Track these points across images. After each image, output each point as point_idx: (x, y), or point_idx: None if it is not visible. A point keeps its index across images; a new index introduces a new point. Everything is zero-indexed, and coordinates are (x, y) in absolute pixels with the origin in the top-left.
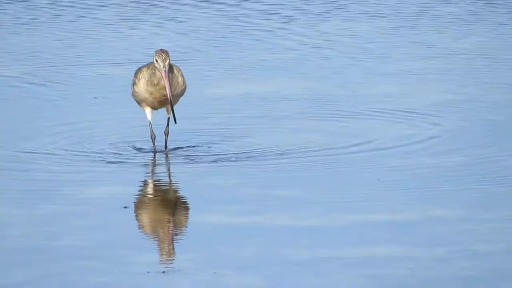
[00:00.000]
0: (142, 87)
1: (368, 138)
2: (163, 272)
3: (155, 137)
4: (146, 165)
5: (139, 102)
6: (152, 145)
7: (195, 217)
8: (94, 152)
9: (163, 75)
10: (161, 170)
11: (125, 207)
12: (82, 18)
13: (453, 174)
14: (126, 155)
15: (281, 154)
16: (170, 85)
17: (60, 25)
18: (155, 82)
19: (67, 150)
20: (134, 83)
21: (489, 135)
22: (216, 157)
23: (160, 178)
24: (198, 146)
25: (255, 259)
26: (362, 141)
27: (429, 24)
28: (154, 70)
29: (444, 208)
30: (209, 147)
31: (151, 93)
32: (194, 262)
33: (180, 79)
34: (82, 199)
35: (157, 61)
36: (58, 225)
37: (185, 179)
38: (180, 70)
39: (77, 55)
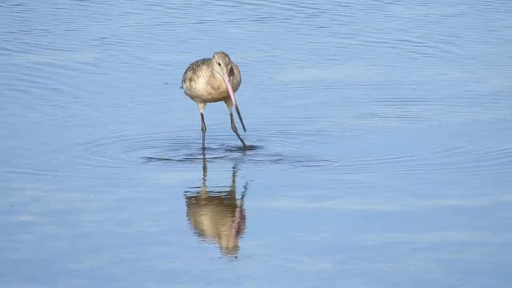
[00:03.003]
0: (201, 85)
1: (437, 122)
2: (236, 257)
3: (205, 129)
4: (218, 157)
5: (192, 97)
6: (202, 138)
7: (266, 203)
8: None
9: (226, 82)
10: (235, 163)
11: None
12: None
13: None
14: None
15: (352, 137)
16: (233, 90)
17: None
18: (216, 85)
19: (140, 135)
20: (190, 79)
21: None
22: (287, 143)
23: (232, 169)
24: (269, 134)
25: (327, 245)
26: (431, 125)
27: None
28: (212, 71)
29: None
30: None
31: (209, 93)
32: (266, 248)
33: (239, 78)
34: (154, 185)
35: (219, 64)
36: (130, 211)
37: (255, 167)
38: (237, 67)
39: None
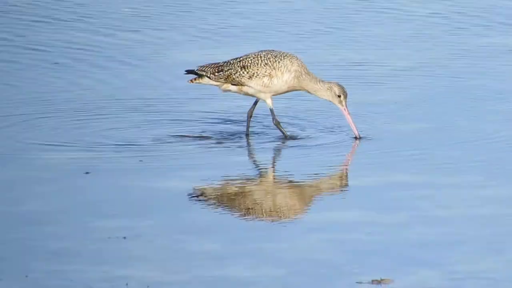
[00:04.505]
0: (285, 78)
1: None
2: (124, 237)
3: (279, 122)
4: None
5: (263, 93)
6: (282, 131)
7: (156, 183)
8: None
9: (346, 114)
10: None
11: (87, 173)
12: None
13: (414, 140)
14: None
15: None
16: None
17: None
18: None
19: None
20: (269, 75)
21: (448, 101)
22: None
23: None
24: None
25: (217, 225)
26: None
27: None
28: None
29: (405, 173)
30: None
31: (289, 87)
32: (154, 228)
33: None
34: (44, 165)
35: (339, 96)
36: (20, 191)
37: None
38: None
39: None
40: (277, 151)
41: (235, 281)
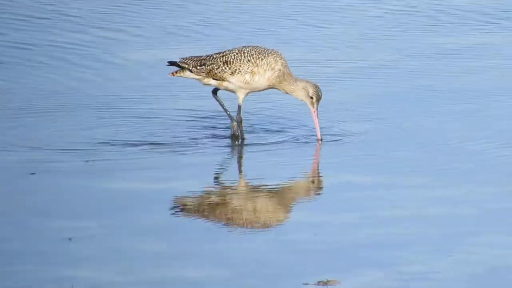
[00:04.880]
0: (267, 76)
1: None
2: (70, 239)
3: (241, 120)
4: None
5: (243, 89)
6: (239, 129)
7: (104, 184)
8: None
9: (314, 117)
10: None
11: (32, 174)
12: None
13: (361, 141)
14: None
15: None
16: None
17: None
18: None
19: None
20: (251, 72)
21: (398, 101)
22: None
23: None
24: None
25: (166, 226)
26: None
27: None
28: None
29: (354, 174)
30: None
31: (269, 85)
32: (100, 229)
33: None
34: None
35: (311, 98)
36: None
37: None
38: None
39: None
40: (231, 152)
41: (183, 281)
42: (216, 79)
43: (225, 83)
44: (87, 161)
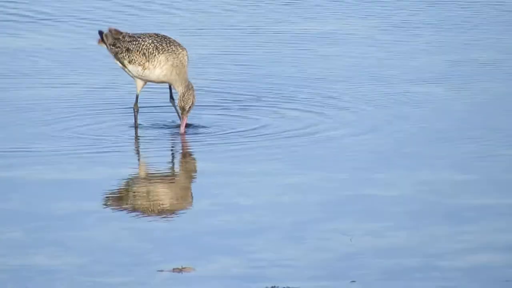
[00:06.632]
0: (157, 73)
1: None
2: None
3: (138, 110)
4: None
5: (138, 77)
6: (135, 119)
7: None
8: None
9: (182, 122)
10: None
11: None
12: None
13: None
14: None
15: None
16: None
17: None
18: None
19: None
20: (143, 66)
21: (246, 89)
22: None
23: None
24: None
25: (18, 213)
26: None
27: None
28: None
29: (207, 161)
30: None
31: (163, 80)
32: None
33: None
34: None
35: (189, 107)
36: None
37: None
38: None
39: None
40: (128, 140)
41: (38, 269)
42: (120, 63)
43: (126, 69)
44: None
